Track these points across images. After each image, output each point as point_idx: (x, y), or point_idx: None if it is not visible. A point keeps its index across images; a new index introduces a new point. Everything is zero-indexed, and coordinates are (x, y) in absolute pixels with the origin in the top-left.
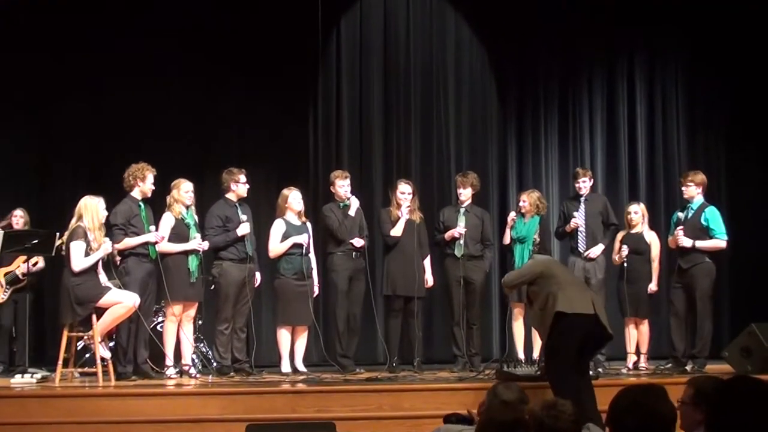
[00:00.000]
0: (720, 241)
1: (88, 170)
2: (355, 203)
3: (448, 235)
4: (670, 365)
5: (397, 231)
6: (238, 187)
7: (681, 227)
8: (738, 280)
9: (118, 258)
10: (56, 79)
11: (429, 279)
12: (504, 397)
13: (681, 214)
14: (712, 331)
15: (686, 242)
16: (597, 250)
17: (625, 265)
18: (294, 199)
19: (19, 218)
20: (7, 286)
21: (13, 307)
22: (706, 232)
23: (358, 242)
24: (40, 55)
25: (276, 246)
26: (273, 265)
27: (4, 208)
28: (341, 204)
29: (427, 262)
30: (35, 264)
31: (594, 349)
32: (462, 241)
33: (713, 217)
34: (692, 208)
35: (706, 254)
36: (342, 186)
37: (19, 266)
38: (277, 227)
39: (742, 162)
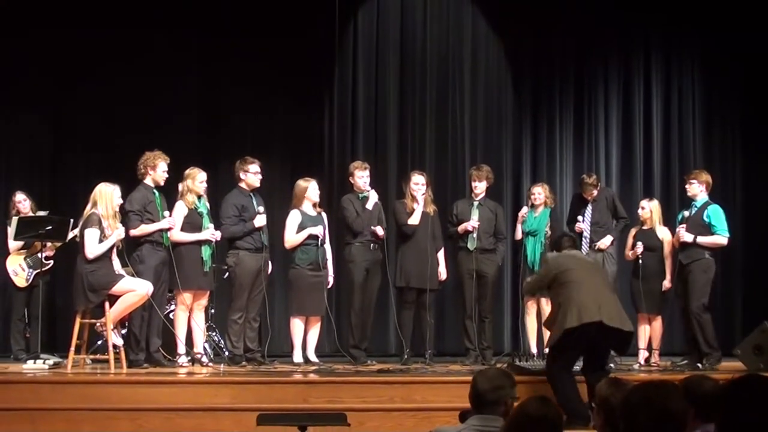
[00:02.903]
0: (721, 238)
1: (101, 157)
2: (373, 197)
3: (461, 228)
4: (686, 362)
5: (414, 220)
6: (248, 176)
7: (683, 224)
8: (751, 277)
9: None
10: (69, 65)
11: (442, 272)
12: (480, 389)
13: (686, 213)
14: (712, 326)
15: (687, 237)
16: (606, 241)
17: (640, 261)
18: (313, 189)
19: (24, 202)
20: (30, 270)
21: (28, 292)
22: (708, 229)
23: (379, 230)
24: (53, 40)
25: (292, 237)
26: (288, 255)
27: (15, 191)
28: (360, 195)
29: (440, 255)
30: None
31: (609, 348)
32: (475, 235)
33: (715, 214)
34: (696, 206)
35: (706, 251)
36: (361, 177)
37: (41, 250)
38: (293, 218)
39: (758, 159)
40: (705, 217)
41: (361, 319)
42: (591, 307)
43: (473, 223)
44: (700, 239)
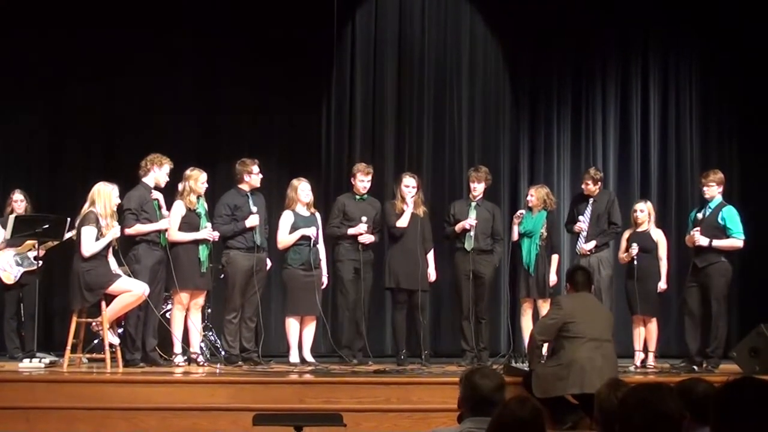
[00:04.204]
0: (737, 241)
1: (99, 156)
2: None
3: (458, 227)
4: (683, 364)
5: (402, 222)
6: (252, 177)
7: (698, 228)
8: (748, 279)
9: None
10: (68, 64)
11: (432, 273)
12: (485, 389)
13: (699, 214)
14: (726, 331)
15: (703, 241)
16: (589, 246)
17: (635, 263)
18: (302, 190)
19: (20, 203)
20: (19, 268)
21: (18, 291)
22: (723, 231)
23: (362, 232)
24: (51, 40)
25: (284, 237)
26: (281, 255)
27: (13, 190)
28: (356, 197)
29: (430, 257)
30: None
31: None
32: (472, 233)
33: (730, 216)
34: (710, 207)
35: (722, 254)
36: (362, 181)
37: (32, 248)
38: (286, 219)
39: (755, 160)
40: (720, 220)
41: (351, 319)
42: (593, 373)
43: (471, 221)
44: (716, 243)
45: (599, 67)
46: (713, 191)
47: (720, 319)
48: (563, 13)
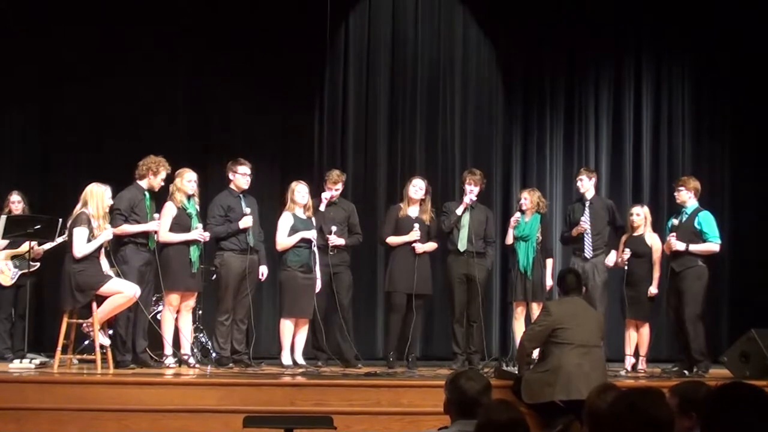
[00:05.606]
0: (713, 245)
1: (91, 156)
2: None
3: (463, 204)
4: (675, 369)
5: (392, 240)
6: (236, 177)
7: (674, 233)
8: (738, 285)
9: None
10: (60, 64)
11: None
12: (471, 391)
13: (675, 220)
14: (704, 334)
15: (679, 246)
16: (612, 258)
17: (626, 267)
18: (299, 192)
19: (17, 203)
20: (16, 270)
21: (14, 291)
22: (700, 236)
23: (334, 238)
24: (44, 39)
25: (284, 240)
26: (276, 256)
27: (5, 191)
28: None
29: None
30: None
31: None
32: (466, 234)
33: (707, 221)
34: (686, 213)
35: (699, 258)
36: (330, 189)
37: (29, 250)
38: (285, 221)
39: (746, 167)
40: (696, 225)
41: (324, 321)
42: (580, 379)
43: (471, 196)
44: (693, 247)
45: (592, 72)
46: (683, 196)
47: (697, 323)
48: (556, 17)
